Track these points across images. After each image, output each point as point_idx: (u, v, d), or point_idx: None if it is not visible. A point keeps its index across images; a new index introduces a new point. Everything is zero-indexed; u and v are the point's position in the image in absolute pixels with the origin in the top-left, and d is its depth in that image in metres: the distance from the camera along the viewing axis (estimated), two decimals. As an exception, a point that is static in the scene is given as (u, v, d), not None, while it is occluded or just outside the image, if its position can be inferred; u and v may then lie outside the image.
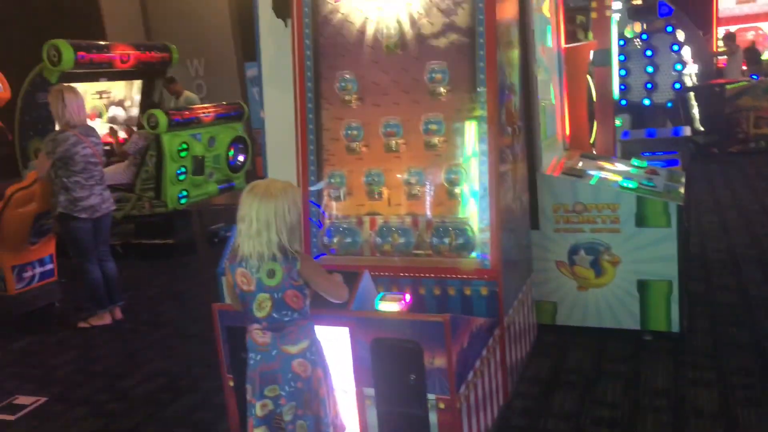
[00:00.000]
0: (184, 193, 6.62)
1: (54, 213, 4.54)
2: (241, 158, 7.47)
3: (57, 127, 4.55)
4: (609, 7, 5.01)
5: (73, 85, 4.86)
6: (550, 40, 4.08)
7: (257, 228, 2.12)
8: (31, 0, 8.18)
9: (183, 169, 6.53)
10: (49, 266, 5.03)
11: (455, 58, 2.94)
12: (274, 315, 2.18)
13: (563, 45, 4.21)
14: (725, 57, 11.58)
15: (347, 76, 3.12)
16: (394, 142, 3.06)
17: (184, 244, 6.48)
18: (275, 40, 3.76)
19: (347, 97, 3.14)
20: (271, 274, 2.14)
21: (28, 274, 4.86)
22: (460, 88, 2.94)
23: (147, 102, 7.70)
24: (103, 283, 4.65)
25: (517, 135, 3.23)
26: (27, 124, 6.67)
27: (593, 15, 5.06)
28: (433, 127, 2.98)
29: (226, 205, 4.38)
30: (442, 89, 2.97)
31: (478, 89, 2.88)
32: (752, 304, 3.98)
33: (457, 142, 2.95)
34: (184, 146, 6.48)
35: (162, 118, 6.25)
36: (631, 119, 8.67)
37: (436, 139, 2.99)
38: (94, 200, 4.52)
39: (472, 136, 2.91)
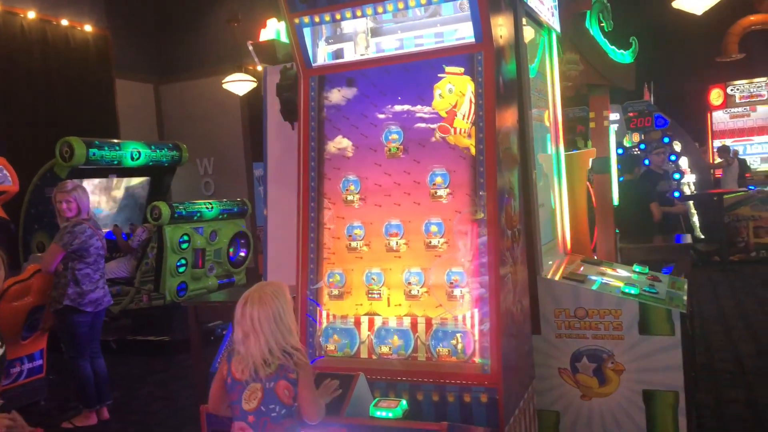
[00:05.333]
0: (183, 285, 6.59)
1: (55, 306, 4.43)
2: (242, 253, 7.51)
3: (62, 223, 4.55)
4: (606, 118, 5.18)
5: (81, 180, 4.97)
6: (549, 148, 4.18)
7: (243, 336, 2.18)
8: (51, 97, 8.51)
9: (183, 261, 6.55)
10: (39, 362, 4.92)
11: (456, 162, 3.00)
12: (262, 408, 2.14)
13: (563, 152, 4.30)
14: (721, 168, 11.87)
15: (350, 176, 3.18)
16: (395, 242, 3.06)
17: (181, 341, 6.36)
18: (282, 141, 3.87)
19: (350, 197, 3.18)
20: (267, 363, 2.15)
21: (16, 369, 4.74)
22: (461, 191, 2.98)
23: (153, 199, 7.82)
24: (93, 381, 4.52)
25: (516, 238, 3.24)
26: (32, 218, 6.76)
27: (591, 125, 5.23)
28: (434, 228, 2.99)
29: (223, 301, 4.33)
30: (442, 192, 3.01)
31: (479, 192, 2.91)
32: (763, 417, 3.83)
33: (457, 244, 2.95)
34: (186, 238, 6.53)
35: (165, 210, 6.35)
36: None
37: (436, 241, 2.99)
38: (98, 293, 4.50)
39: (472, 239, 2.92)
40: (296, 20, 3.21)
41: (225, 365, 2.26)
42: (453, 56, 3.06)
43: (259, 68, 11.24)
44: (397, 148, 3.12)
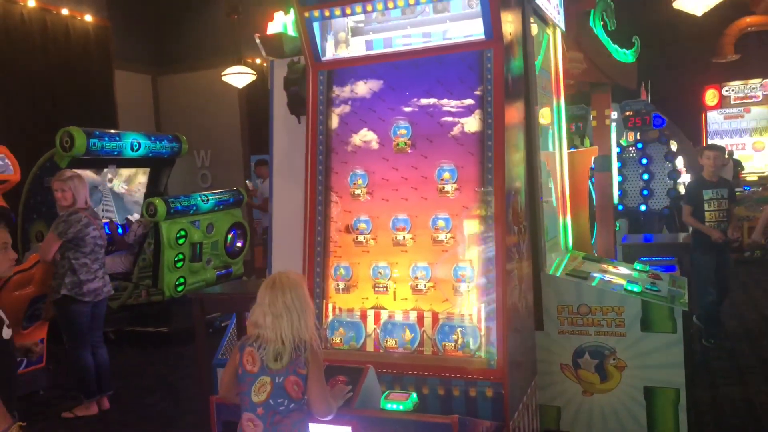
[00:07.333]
0: (182, 280, 6.58)
1: (54, 296, 4.45)
2: (239, 244, 7.49)
3: (60, 212, 4.56)
4: (608, 116, 5.21)
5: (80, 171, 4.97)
6: (550, 145, 4.21)
7: (273, 318, 2.20)
8: (51, 87, 8.46)
9: (180, 256, 6.53)
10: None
11: (464, 157, 3.02)
12: (271, 401, 2.17)
13: (566, 150, 4.32)
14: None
15: (358, 171, 3.20)
16: (402, 236, 3.08)
17: (180, 332, 6.35)
18: (288, 134, 3.87)
19: (357, 191, 3.20)
20: (278, 357, 2.17)
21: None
22: (468, 187, 3.00)
23: (152, 191, 7.80)
24: (93, 371, 4.52)
25: (522, 234, 3.26)
26: (31, 207, 6.72)
27: (593, 123, 5.26)
28: (441, 223, 3.02)
29: (229, 293, 4.33)
30: (450, 187, 3.03)
31: (487, 188, 2.94)
32: (760, 416, 3.88)
33: (464, 240, 2.98)
34: (183, 233, 6.51)
35: (161, 206, 6.31)
36: (628, 224, 8.78)
37: (443, 235, 3.02)
38: (97, 284, 4.49)
39: (479, 234, 2.94)
40: (306, 14, 3.22)
41: (237, 355, 2.28)
42: (462, 52, 3.08)
43: (258, 61, 11.23)
44: (405, 143, 3.14)
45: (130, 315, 6.66)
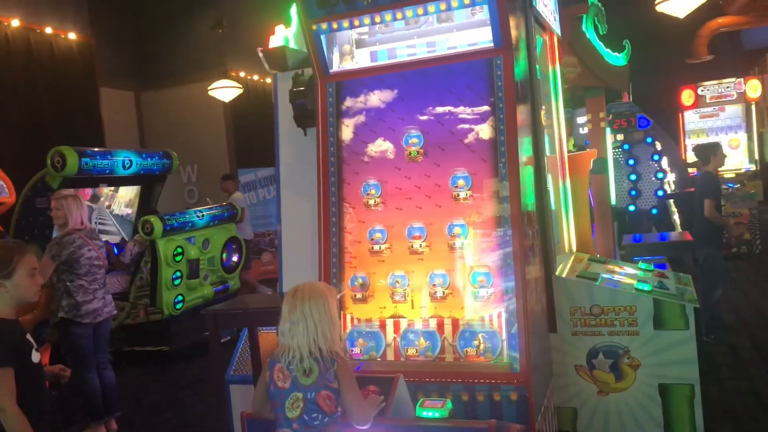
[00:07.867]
0: (180, 298, 6.51)
1: (53, 320, 4.41)
2: (234, 259, 7.44)
3: (56, 233, 4.52)
4: (603, 119, 5.29)
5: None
6: (549, 148, 4.24)
7: (291, 325, 2.20)
8: (36, 106, 8.35)
9: (178, 274, 6.47)
10: (42, 375, 4.82)
11: (477, 164, 3.04)
12: (305, 417, 2.17)
13: (566, 153, 4.38)
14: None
15: (370, 181, 3.21)
16: (418, 244, 3.10)
17: (181, 350, 6.28)
18: (294, 146, 3.87)
19: (370, 201, 3.21)
20: (308, 372, 2.17)
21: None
22: (483, 193, 3.03)
23: (144, 208, 7.73)
24: (100, 394, 4.45)
25: (535, 238, 3.30)
26: (23, 229, 6.62)
27: (588, 126, 5.33)
28: (457, 230, 3.03)
29: (244, 308, 4.30)
30: (464, 194, 3.06)
31: (502, 193, 2.96)
32: (769, 408, 3.95)
33: (481, 245, 3.00)
34: (180, 250, 6.45)
35: (157, 224, 6.25)
36: (617, 225, 8.88)
37: (460, 242, 3.03)
38: (96, 304, 4.42)
39: (496, 239, 2.97)
40: (314, 27, 3.23)
41: (267, 372, 2.27)
42: (471, 61, 3.12)
43: (242, 74, 11.19)
44: (417, 152, 3.16)
45: (129, 335, 6.57)
